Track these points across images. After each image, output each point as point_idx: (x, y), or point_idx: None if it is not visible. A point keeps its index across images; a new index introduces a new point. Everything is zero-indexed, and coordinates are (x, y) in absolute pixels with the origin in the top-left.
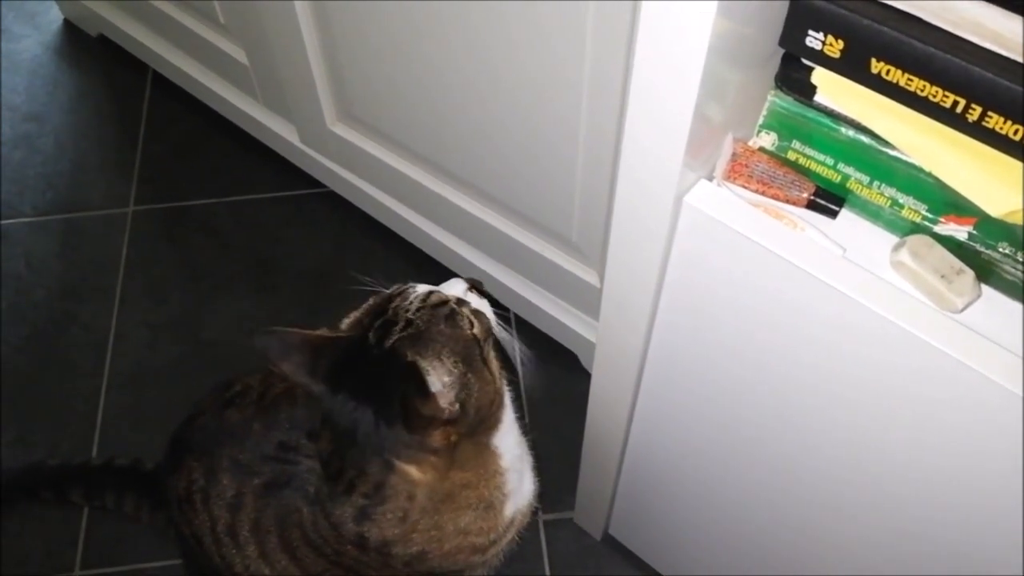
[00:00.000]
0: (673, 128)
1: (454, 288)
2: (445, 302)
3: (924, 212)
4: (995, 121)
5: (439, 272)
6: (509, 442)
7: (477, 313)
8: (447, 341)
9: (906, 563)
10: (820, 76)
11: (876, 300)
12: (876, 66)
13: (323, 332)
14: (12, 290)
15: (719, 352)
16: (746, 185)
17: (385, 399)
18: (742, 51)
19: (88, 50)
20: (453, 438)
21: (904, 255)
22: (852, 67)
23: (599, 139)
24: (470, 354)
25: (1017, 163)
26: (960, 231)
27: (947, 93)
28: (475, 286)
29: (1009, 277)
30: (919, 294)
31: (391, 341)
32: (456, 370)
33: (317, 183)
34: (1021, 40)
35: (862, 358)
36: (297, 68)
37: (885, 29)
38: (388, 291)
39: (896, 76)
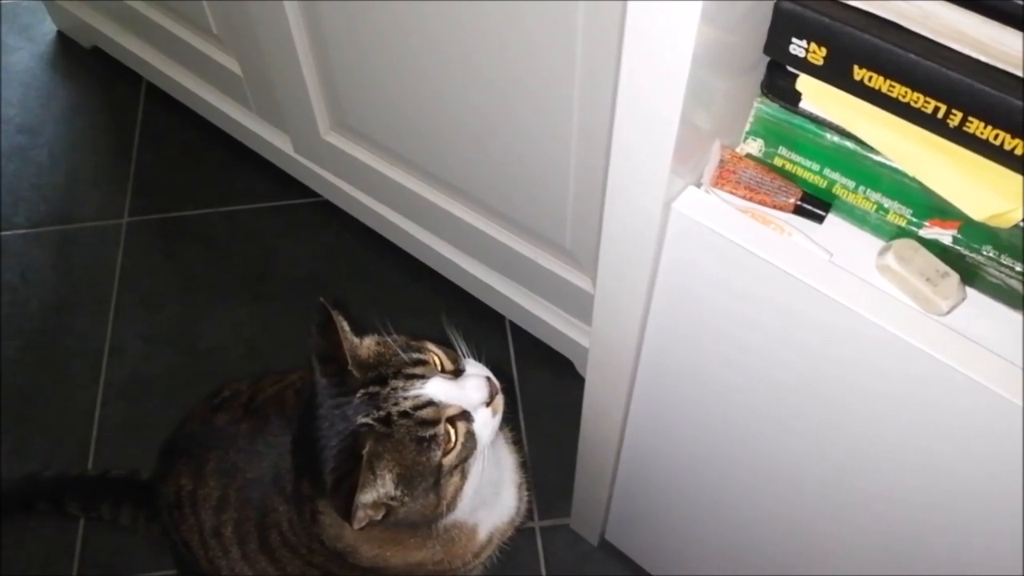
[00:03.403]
0: (660, 135)
1: (472, 393)
2: (435, 422)
3: (909, 216)
4: (976, 126)
5: (434, 281)
6: (470, 491)
7: (470, 436)
8: (404, 462)
9: (903, 565)
10: (804, 83)
11: (862, 303)
12: (859, 73)
13: (350, 342)
14: (7, 302)
15: (711, 356)
16: (734, 191)
17: (334, 453)
18: (727, 59)
19: (82, 62)
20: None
21: (890, 258)
22: (835, 74)
23: (591, 146)
24: (419, 482)
25: (998, 167)
26: (944, 235)
27: (928, 99)
28: (497, 392)
29: (993, 280)
30: (905, 297)
31: (363, 420)
32: (394, 492)
33: (311, 192)
34: (1001, 47)
35: (850, 361)
36: (290, 78)
37: (867, 36)
38: (404, 356)
39: (878, 82)
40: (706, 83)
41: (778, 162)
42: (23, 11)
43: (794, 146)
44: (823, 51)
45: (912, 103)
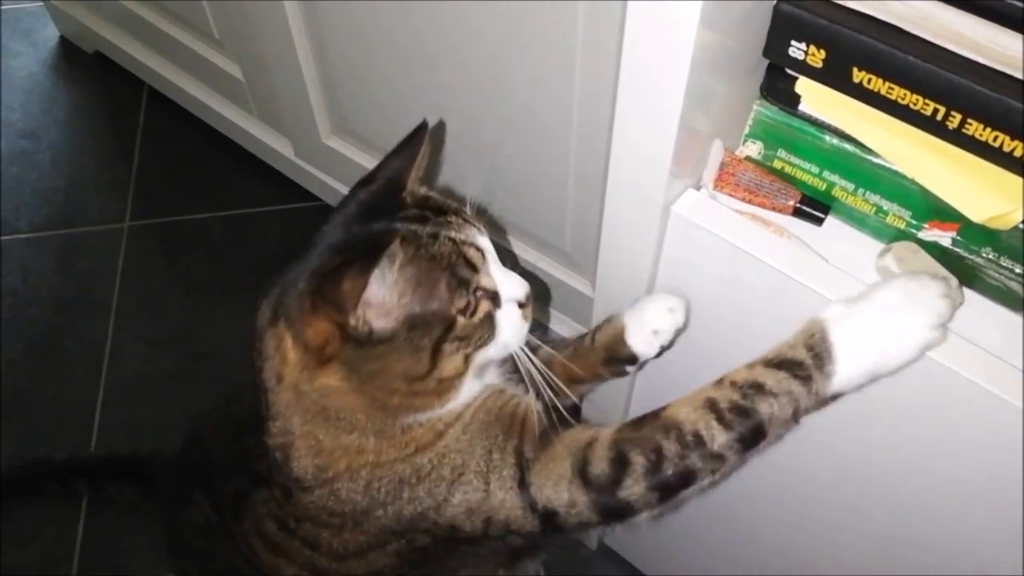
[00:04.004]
0: (660, 138)
1: (508, 282)
2: (475, 269)
3: (908, 218)
4: (975, 128)
5: None
6: (463, 393)
7: (489, 320)
8: (427, 286)
9: (902, 566)
10: (804, 86)
11: None
12: (858, 75)
13: (418, 172)
14: (9, 305)
15: (709, 358)
16: (733, 194)
17: (339, 252)
18: (727, 62)
19: (84, 66)
20: (328, 352)
21: (889, 260)
22: (834, 76)
23: (590, 150)
24: (425, 326)
25: (998, 169)
26: (944, 237)
27: (927, 101)
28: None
29: (993, 282)
30: None
31: (406, 227)
32: (392, 299)
33: (312, 196)
34: (1000, 49)
35: None
36: (291, 82)
37: (865, 39)
38: (457, 206)
39: (877, 85)
40: (705, 86)
41: (777, 164)
42: (26, 16)
43: (793, 148)
44: (822, 53)
45: (911, 105)
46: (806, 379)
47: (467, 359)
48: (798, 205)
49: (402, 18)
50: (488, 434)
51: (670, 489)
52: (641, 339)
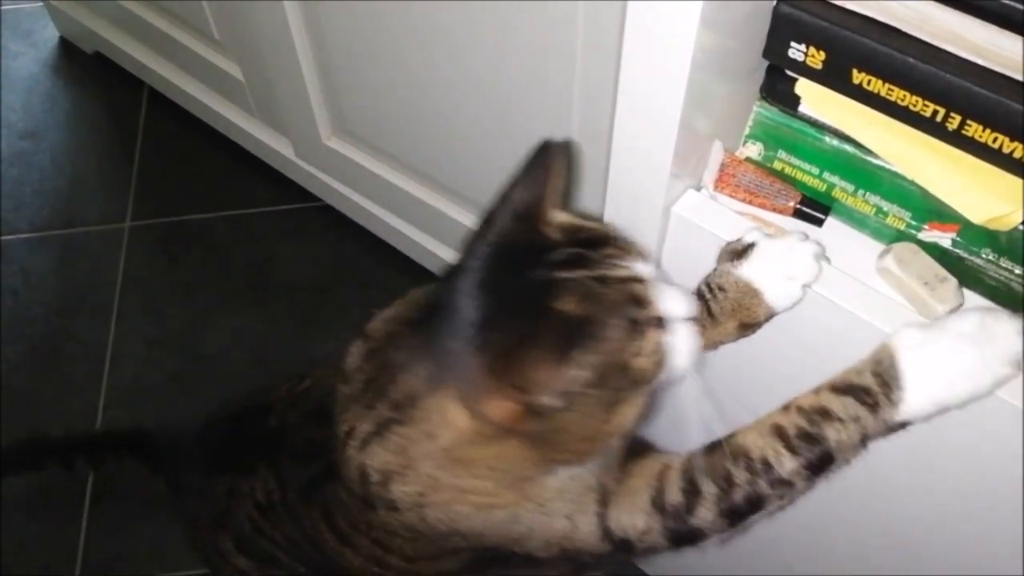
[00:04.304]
0: (660, 140)
1: (672, 300)
2: (644, 304)
3: (908, 219)
4: (974, 130)
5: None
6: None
7: (660, 349)
8: (605, 344)
9: (905, 565)
10: (804, 87)
11: (861, 306)
12: (858, 76)
13: (555, 197)
14: (10, 306)
15: (708, 359)
16: (733, 195)
17: (506, 316)
18: (727, 63)
19: (84, 67)
20: (510, 427)
21: (889, 261)
22: (834, 78)
23: (590, 151)
24: (608, 380)
25: (997, 170)
26: (944, 238)
27: (927, 103)
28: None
29: (992, 283)
30: (904, 301)
31: (568, 274)
32: (584, 374)
33: (313, 197)
34: (999, 51)
35: (848, 362)
36: (292, 83)
37: (865, 40)
38: (608, 230)
39: (877, 86)
40: (706, 88)
41: (778, 165)
42: (26, 17)
43: (793, 150)
44: (822, 55)
45: (911, 107)
46: (873, 406)
47: (641, 399)
48: (798, 206)
49: (402, 18)
50: (583, 481)
51: (740, 515)
52: (784, 296)
